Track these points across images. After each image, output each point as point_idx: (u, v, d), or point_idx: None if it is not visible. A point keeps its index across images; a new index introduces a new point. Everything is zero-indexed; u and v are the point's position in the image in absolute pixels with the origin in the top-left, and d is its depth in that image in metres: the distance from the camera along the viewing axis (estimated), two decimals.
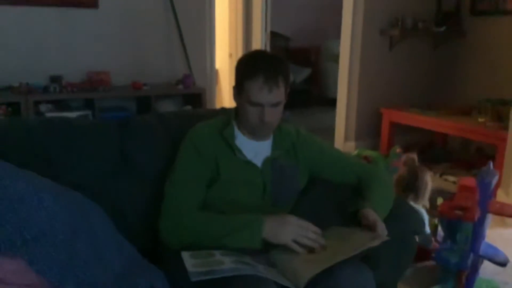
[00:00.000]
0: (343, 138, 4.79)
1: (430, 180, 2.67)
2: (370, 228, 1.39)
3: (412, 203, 2.47)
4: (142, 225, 1.60)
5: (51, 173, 1.40)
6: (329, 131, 4.89)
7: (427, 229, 2.48)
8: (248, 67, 1.44)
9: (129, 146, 1.68)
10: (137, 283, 1.25)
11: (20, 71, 3.51)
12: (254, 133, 1.53)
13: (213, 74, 4.53)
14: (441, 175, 4.03)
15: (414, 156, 3.00)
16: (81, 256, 1.21)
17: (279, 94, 1.44)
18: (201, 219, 1.42)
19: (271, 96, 1.42)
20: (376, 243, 1.33)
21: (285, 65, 1.49)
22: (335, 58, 5.10)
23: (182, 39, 4.12)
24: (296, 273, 1.26)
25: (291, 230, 1.34)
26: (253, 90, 1.41)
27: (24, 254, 1.11)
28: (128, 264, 1.35)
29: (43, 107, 3.43)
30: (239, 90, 1.47)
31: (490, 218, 2.22)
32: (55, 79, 3.54)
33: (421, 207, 2.60)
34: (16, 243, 1.10)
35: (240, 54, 5.46)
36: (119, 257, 1.33)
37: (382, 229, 1.38)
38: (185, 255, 1.34)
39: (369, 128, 4.75)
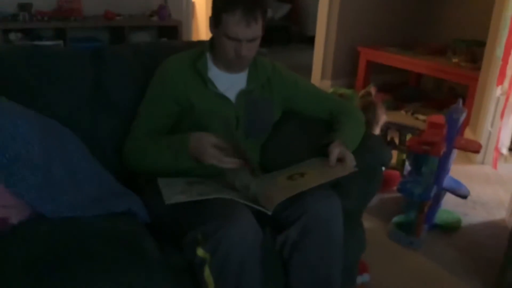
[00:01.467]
0: (320, 76, 4.80)
1: (382, 114, 2.74)
2: (339, 160, 1.44)
3: None
4: (118, 153, 1.62)
5: (24, 102, 1.38)
6: (307, 69, 4.89)
7: None
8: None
9: (104, 77, 1.66)
10: (114, 206, 1.29)
11: None
12: (230, 67, 1.52)
13: (190, 6, 4.40)
14: (412, 113, 4.12)
15: (371, 90, 3.07)
16: (58, 180, 1.23)
17: (257, 29, 1.42)
18: (144, 142, 1.47)
19: (249, 31, 1.40)
20: (344, 173, 1.40)
21: None
22: None
23: None
24: (267, 198, 1.32)
25: (208, 156, 1.34)
26: (230, 24, 1.39)
27: (1, 177, 1.12)
28: (105, 189, 1.38)
29: (12, 36, 3.32)
30: (216, 22, 1.44)
31: (455, 153, 2.32)
32: (24, 6, 3.39)
33: None
34: None
35: None
36: (96, 182, 1.36)
37: (350, 161, 1.44)
38: (162, 181, 1.39)
39: (345, 66, 4.76)
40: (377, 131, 2.74)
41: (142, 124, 1.51)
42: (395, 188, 2.42)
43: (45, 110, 1.43)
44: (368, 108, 2.69)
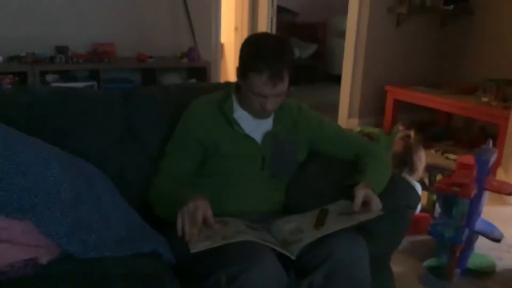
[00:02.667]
0: (346, 114, 4.80)
1: (424, 156, 2.72)
2: (365, 203, 1.42)
3: (407, 177, 2.52)
4: (146, 193, 1.64)
5: (57, 141, 1.44)
6: (334, 108, 4.90)
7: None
8: (254, 58, 1.41)
9: (134, 118, 1.71)
10: (140, 247, 1.31)
11: (27, 41, 3.53)
12: (255, 116, 1.55)
13: (218, 48, 4.52)
14: (442, 153, 4.05)
15: (411, 132, 3.05)
16: (86, 220, 1.26)
17: (283, 86, 1.44)
18: (164, 189, 1.47)
19: (275, 90, 1.43)
20: (369, 216, 1.38)
21: (291, 53, 1.46)
22: (342, 35, 5.07)
23: (187, 12, 4.11)
24: (292, 242, 1.31)
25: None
26: (256, 83, 1.42)
27: (32, 217, 1.16)
28: (132, 229, 1.40)
29: (49, 77, 3.46)
30: (242, 75, 1.47)
31: (487, 195, 2.26)
32: (61, 49, 3.56)
33: (416, 182, 2.65)
34: (24, 206, 1.15)
35: (245, 28, 5.43)
36: (123, 222, 1.38)
37: (376, 204, 1.42)
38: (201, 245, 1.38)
39: (373, 105, 4.75)
40: (420, 173, 2.71)
41: (168, 166, 1.54)
42: (425, 230, 2.36)
43: (76, 150, 1.48)
44: (410, 151, 2.68)
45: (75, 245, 1.21)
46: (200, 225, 1.25)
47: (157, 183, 1.52)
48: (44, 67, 3.42)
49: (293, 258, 1.26)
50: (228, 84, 1.88)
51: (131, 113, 1.71)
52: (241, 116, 1.56)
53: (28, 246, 1.18)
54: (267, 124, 1.60)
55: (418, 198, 1.66)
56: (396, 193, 1.59)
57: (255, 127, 1.57)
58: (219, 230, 1.31)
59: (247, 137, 1.55)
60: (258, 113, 1.52)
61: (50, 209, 1.18)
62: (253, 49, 1.44)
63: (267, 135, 1.58)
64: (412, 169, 2.65)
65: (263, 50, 1.41)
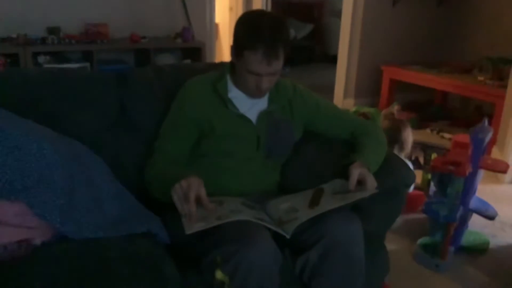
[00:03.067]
0: (342, 95, 4.79)
1: (410, 132, 2.73)
2: (360, 182, 1.42)
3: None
4: (140, 175, 1.63)
5: (50, 123, 1.43)
6: (330, 88, 4.88)
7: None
8: (248, 35, 1.39)
9: (128, 99, 1.69)
10: (135, 227, 1.31)
11: (18, 23, 3.48)
12: (250, 95, 1.54)
13: (213, 28, 4.47)
14: (438, 132, 4.06)
15: (394, 110, 3.05)
16: (80, 201, 1.25)
17: (278, 64, 1.42)
18: (160, 171, 1.46)
19: (270, 68, 1.41)
20: (364, 195, 1.38)
21: (286, 31, 1.44)
22: (338, 14, 5.02)
23: None
24: (286, 221, 1.31)
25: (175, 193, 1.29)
26: (252, 61, 1.40)
27: (24, 198, 1.15)
28: (126, 210, 1.40)
29: (41, 59, 3.42)
30: (237, 54, 1.45)
31: (482, 173, 2.26)
32: (53, 30, 3.51)
33: (407, 160, 2.66)
34: (17, 188, 1.14)
35: (240, 8, 5.37)
36: (117, 203, 1.38)
37: (371, 183, 1.42)
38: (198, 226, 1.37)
39: (369, 85, 4.74)
40: (408, 150, 2.72)
41: (162, 147, 1.53)
42: (420, 209, 2.38)
43: (70, 132, 1.47)
44: (397, 129, 2.67)
45: (69, 226, 1.20)
46: (193, 202, 1.25)
47: (152, 164, 1.51)
48: (36, 49, 3.37)
49: (288, 237, 1.26)
50: (222, 64, 1.86)
51: (126, 95, 1.69)
52: (236, 95, 1.55)
53: (21, 228, 1.18)
54: (262, 103, 1.58)
55: (413, 177, 1.66)
56: (391, 172, 1.58)
57: (250, 107, 1.56)
58: (214, 210, 1.30)
59: (242, 117, 1.54)
60: (253, 92, 1.51)
61: (43, 190, 1.17)
62: (248, 26, 1.41)
63: (262, 115, 1.57)
64: (402, 147, 2.66)
65: (258, 28, 1.38)
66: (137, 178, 1.60)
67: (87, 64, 3.55)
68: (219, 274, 1.20)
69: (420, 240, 2.26)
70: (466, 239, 2.30)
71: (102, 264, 1.16)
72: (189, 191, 1.24)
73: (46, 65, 3.41)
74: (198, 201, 1.26)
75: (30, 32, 3.45)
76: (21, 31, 3.39)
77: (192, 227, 1.23)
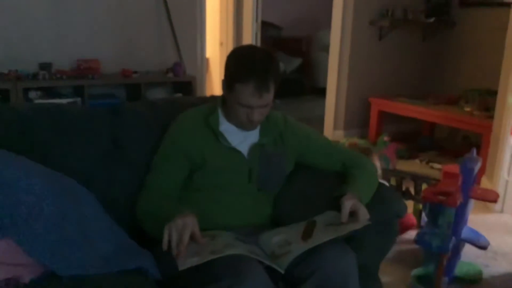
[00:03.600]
0: (332, 127, 4.83)
1: (378, 162, 2.77)
2: (352, 213, 1.42)
3: None
4: (132, 209, 1.62)
5: (42, 158, 1.42)
6: (319, 120, 4.93)
7: None
8: (239, 69, 1.42)
9: (120, 133, 1.69)
10: (126, 264, 1.28)
11: (9, 58, 3.49)
12: (241, 127, 1.55)
13: (204, 62, 4.53)
14: (427, 163, 4.09)
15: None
16: (70, 239, 1.23)
17: (269, 96, 1.45)
18: (147, 206, 1.46)
19: (261, 100, 1.43)
20: (357, 227, 1.38)
21: (276, 64, 1.47)
22: (326, 48, 5.12)
23: (172, 27, 4.12)
24: (280, 255, 1.30)
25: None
26: (243, 94, 1.42)
27: (13, 235, 1.13)
28: (117, 247, 1.37)
29: (32, 94, 3.42)
30: (228, 87, 1.47)
31: (472, 203, 2.28)
32: (45, 66, 3.53)
33: None
34: (5, 225, 1.13)
35: (230, 43, 5.46)
36: (108, 238, 1.36)
37: (363, 214, 1.42)
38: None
39: (358, 117, 4.80)
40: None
41: (154, 180, 1.52)
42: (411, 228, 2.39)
43: (62, 166, 1.46)
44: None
45: (58, 263, 1.18)
46: (187, 243, 1.24)
47: (144, 199, 1.50)
48: (27, 84, 3.38)
49: (282, 271, 1.25)
50: (213, 97, 1.88)
51: (118, 129, 1.69)
52: (227, 129, 1.56)
53: (9, 265, 1.16)
54: (253, 136, 1.59)
55: (405, 208, 1.67)
56: (383, 203, 1.59)
57: (242, 140, 1.57)
58: (207, 245, 1.29)
59: (234, 150, 1.54)
60: (245, 125, 1.52)
61: (32, 227, 1.16)
62: (239, 60, 1.44)
63: (254, 148, 1.58)
64: None
65: (249, 61, 1.41)
66: (128, 212, 1.58)
67: (78, 99, 3.56)
68: None
69: (414, 271, 2.24)
70: (460, 269, 2.29)
71: None
72: (185, 230, 1.24)
73: (37, 101, 3.41)
74: (192, 237, 1.25)
75: (22, 67, 3.47)
76: (13, 67, 3.41)
77: (185, 263, 1.21)
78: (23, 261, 1.16)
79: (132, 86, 3.90)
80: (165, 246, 1.25)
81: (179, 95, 4.06)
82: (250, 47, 1.54)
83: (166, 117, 1.68)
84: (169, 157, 1.53)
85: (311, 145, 1.68)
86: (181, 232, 1.24)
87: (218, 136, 1.53)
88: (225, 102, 1.55)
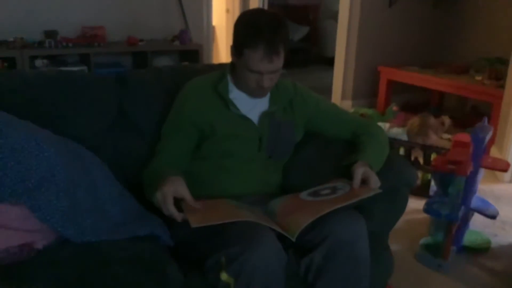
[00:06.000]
0: (340, 96, 4.79)
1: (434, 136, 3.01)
2: (363, 181, 1.41)
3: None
4: (140, 178, 1.62)
5: (49, 125, 1.41)
6: (327, 90, 4.88)
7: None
8: (248, 33, 1.39)
9: (127, 101, 1.68)
10: (138, 230, 1.29)
11: (14, 26, 3.46)
12: (251, 94, 1.53)
13: (210, 30, 4.47)
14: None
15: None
16: (81, 204, 1.24)
17: (279, 62, 1.42)
18: (147, 170, 1.48)
19: (271, 66, 1.40)
20: (368, 194, 1.37)
21: (286, 28, 1.43)
22: (334, 16, 5.03)
23: None
24: (290, 223, 1.30)
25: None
26: (253, 59, 1.39)
27: (26, 201, 1.14)
28: (128, 212, 1.38)
29: (38, 62, 3.41)
30: (237, 53, 1.44)
31: (482, 172, 2.26)
32: (50, 34, 3.50)
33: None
34: (18, 191, 1.13)
35: (237, 10, 5.37)
36: (119, 206, 1.37)
37: (374, 182, 1.41)
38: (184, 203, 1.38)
39: (366, 86, 4.74)
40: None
41: (163, 148, 1.52)
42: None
43: (69, 134, 1.46)
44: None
45: (71, 229, 1.19)
46: (172, 210, 1.26)
47: (150, 165, 1.50)
48: (33, 52, 3.36)
49: (293, 240, 1.25)
50: (221, 65, 1.85)
51: (124, 97, 1.68)
52: (237, 96, 1.54)
53: (23, 231, 1.17)
54: (263, 104, 1.57)
55: (415, 176, 1.66)
56: (393, 172, 1.58)
57: (252, 108, 1.55)
58: (221, 209, 1.30)
59: (244, 118, 1.53)
60: (255, 92, 1.50)
61: (44, 193, 1.16)
62: (248, 25, 1.41)
63: (264, 116, 1.56)
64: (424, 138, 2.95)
65: (258, 26, 1.38)
66: (137, 180, 1.58)
67: (85, 68, 3.54)
68: (224, 276, 1.19)
69: (422, 240, 2.25)
70: (468, 238, 2.30)
71: (105, 267, 1.15)
72: (166, 202, 1.26)
73: (43, 69, 3.39)
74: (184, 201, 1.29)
75: (27, 35, 3.44)
76: (18, 35, 3.38)
77: (197, 222, 1.22)
78: (36, 227, 1.17)
79: (138, 54, 3.87)
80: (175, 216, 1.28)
81: (186, 63, 4.02)
82: (258, 11, 1.50)
83: (172, 85, 1.67)
84: (178, 125, 1.52)
85: (320, 112, 1.66)
86: (163, 204, 1.27)
87: (227, 103, 1.51)
88: (234, 69, 1.53)
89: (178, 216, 1.26)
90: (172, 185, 1.28)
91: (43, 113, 1.51)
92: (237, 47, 1.43)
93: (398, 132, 3.11)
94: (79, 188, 1.25)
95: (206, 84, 1.56)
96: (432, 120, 3.05)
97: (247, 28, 1.40)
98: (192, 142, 1.52)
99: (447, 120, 3.19)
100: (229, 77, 1.56)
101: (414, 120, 3.09)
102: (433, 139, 2.99)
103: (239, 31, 1.43)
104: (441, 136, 3.08)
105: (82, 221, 1.23)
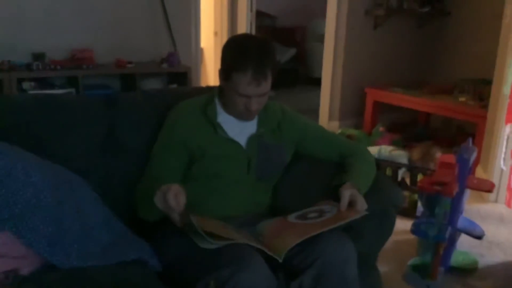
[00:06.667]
0: (327, 117, 4.83)
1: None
2: (350, 203, 1.43)
3: None
4: (130, 199, 1.62)
5: (38, 147, 1.41)
6: (314, 111, 4.92)
7: None
8: (236, 58, 1.41)
9: (116, 123, 1.68)
10: (125, 255, 1.28)
11: (2, 49, 3.45)
12: (239, 117, 1.54)
13: (198, 52, 4.50)
14: None
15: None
16: (68, 230, 1.23)
17: (267, 85, 1.44)
18: (143, 188, 1.48)
19: (259, 89, 1.42)
20: (355, 216, 1.38)
21: (273, 52, 1.46)
22: (321, 38, 5.10)
23: (167, 17, 4.09)
24: (277, 244, 1.30)
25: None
26: (241, 83, 1.41)
27: (12, 227, 1.13)
28: (115, 237, 1.37)
29: (26, 85, 3.39)
30: (225, 77, 1.46)
31: (468, 193, 2.29)
32: (38, 56, 3.49)
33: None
34: (4, 216, 1.12)
35: (225, 33, 5.42)
36: (107, 230, 1.36)
37: (361, 205, 1.42)
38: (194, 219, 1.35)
39: (353, 107, 4.79)
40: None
41: (153, 168, 1.52)
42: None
43: (58, 156, 1.45)
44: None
45: (57, 255, 1.18)
46: (173, 201, 1.25)
47: (141, 184, 1.50)
48: (20, 75, 3.34)
49: (280, 260, 1.25)
50: (209, 88, 1.87)
51: (114, 119, 1.68)
52: (225, 120, 1.55)
53: (8, 258, 1.15)
54: (251, 127, 1.59)
55: (402, 197, 1.68)
56: (381, 193, 1.59)
57: (240, 131, 1.57)
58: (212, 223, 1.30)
59: (232, 141, 1.54)
60: (243, 115, 1.51)
61: (30, 219, 1.15)
62: (236, 49, 1.43)
63: (252, 138, 1.57)
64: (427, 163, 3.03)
65: (246, 50, 1.40)
66: (125, 203, 1.58)
67: (72, 90, 3.53)
68: None
69: (410, 261, 2.26)
70: (455, 259, 2.31)
71: None
72: (167, 192, 1.25)
73: (31, 92, 3.38)
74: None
75: (15, 58, 3.43)
76: (6, 57, 3.37)
77: (207, 244, 1.21)
78: (22, 254, 1.15)
79: (127, 77, 3.87)
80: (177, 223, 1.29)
81: (174, 85, 4.04)
82: (246, 36, 1.53)
83: (162, 107, 1.68)
84: (168, 147, 1.53)
85: (308, 135, 1.68)
86: (166, 197, 1.25)
87: (216, 127, 1.52)
88: (222, 92, 1.55)
89: (179, 211, 1.26)
90: (172, 186, 1.27)
91: (31, 136, 1.50)
92: (225, 71, 1.45)
93: (400, 155, 3.16)
94: (66, 213, 1.24)
95: (194, 107, 1.57)
96: (434, 150, 3.14)
97: (235, 52, 1.43)
98: (183, 162, 1.53)
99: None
100: (217, 101, 1.57)
101: (418, 149, 3.16)
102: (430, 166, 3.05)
103: (227, 55, 1.45)
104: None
105: (69, 247, 1.21)
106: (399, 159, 3.11)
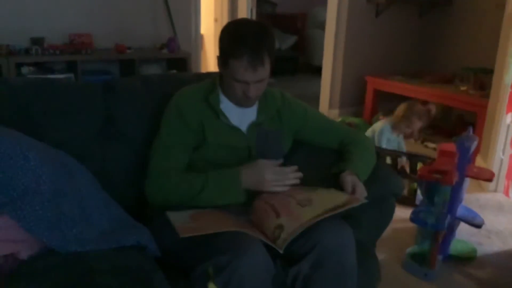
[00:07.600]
0: (327, 105, 4.81)
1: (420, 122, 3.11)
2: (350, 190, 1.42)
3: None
4: (128, 185, 1.61)
5: (36, 133, 1.40)
6: (315, 99, 4.91)
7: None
8: (233, 43, 1.40)
9: (115, 108, 1.67)
10: (124, 240, 1.28)
11: (1, 33, 3.43)
12: (238, 104, 1.53)
13: (198, 38, 4.48)
14: (422, 142, 4.10)
15: (380, 117, 3.29)
16: (67, 214, 1.22)
17: (265, 71, 1.43)
18: (185, 178, 1.44)
19: (256, 75, 1.41)
20: (354, 204, 1.37)
21: (271, 37, 1.44)
22: (322, 25, 5.07)
23: (167, 2, 4.05)
24: (276, 233, 1.30)
25: (269, 177, 1.42)
26: (238, 69, 1.40)
27: (11, 211, 1.12)
28: (114, 221, 1.37)
29: (24, 69, 3.38)
30: (223, 63, 1.45)
31: (468, 182, 2.29)
32: (37, 41, 3.47)
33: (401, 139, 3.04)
34: (2, 200, 1.11)
35: (225, 19, 5.39)
36: (105, 215, 1.35)
37: (361, 192, 1.42)
38: (171, 214, 1.37)
39: (353, 95, 4.78)
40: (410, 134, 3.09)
41: (164, 160, 1.48)
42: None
43: (56, 141, 1.45)
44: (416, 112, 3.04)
45: (56, 239, 1.17)
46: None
47: (161, 179, 1.45)
48: (19, 59, 3.33)
49: (281, 251, 1.25)
50: (209, 74, 1.86)
51: (112, 104, 1.67)
52: (227, 107, 1.54)
53: (7, 242, 1.15)
54: (251, 115, 1.58)
55: (401, 186, 1.67)
56: (380, 181, 1.59)
57: (241, 118, 1.56)
58: (210, 219, 1.29)
59: (234, 128, 1.53)
60: (242, 101, 1.50)
61: (29, 203, 1.14)
62: (232, 35, 1.42)
63: (252, 126, 1.57)
64: (408, 125, 3.03)
65: (242, 36, 1.39)
66: (124, 188, 1.58)
67: (71, 75, 3.52)
68: (211, 286, 1.18)
69: (409, 249, 2.26)
70: (454, 247, 2.32)
71: (90, 277, 1.13)
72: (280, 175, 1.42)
73: (29, 76, 3.36)
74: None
75: (14, 42, 3.41)
76: (4, 42, 3.34)
77: (186, 232, 1.21)
78: (21, 238, 1.15)
79: (126, 62, 3.85)
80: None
81: (174, 71, 4.02)
82: (243, 21, 1.51)
83: (160, 93, 1.67)
84: (177, 132, 1.50)
85: (308, 122, 1.68)
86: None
87: (218, 114, 1.51)
88: (222, 79, 1.53)
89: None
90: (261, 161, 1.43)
91: (29, 121, 1.50)
92: (223, 57, 1.44)
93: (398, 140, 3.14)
94: (64, 197, 1.23)
95: (197, 94, 1.56)
96: (418, 107, 3.08)
97: (231, 38, 1.41)
98: (190, 150, 1.52)
99: (433, 108, 3.21)
100: (219, 88, 1.56)
101: (401, 106, 3.13)
102: (417, 126, 3.04)
103: (224, 41, 1.44)
104: (426, 123, 3.13)
105: (68, 231, 1.21)
106: (401, 144, 3.11)
